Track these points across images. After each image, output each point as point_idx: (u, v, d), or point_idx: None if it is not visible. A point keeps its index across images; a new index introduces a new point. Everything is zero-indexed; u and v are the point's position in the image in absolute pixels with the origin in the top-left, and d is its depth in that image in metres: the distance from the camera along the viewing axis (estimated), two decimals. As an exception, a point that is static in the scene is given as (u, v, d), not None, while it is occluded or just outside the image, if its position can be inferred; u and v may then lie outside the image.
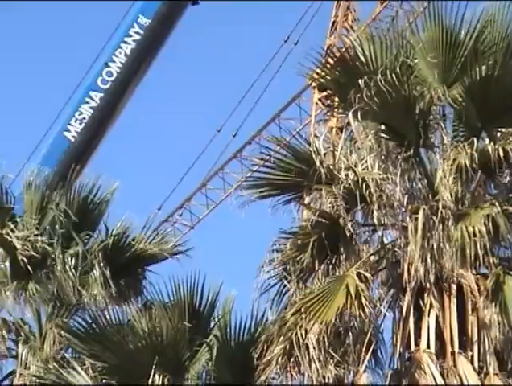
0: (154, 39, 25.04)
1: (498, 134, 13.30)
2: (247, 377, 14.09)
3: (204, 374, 14.85)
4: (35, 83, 69.57)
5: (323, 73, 14.52)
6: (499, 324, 12.64)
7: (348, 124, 13.92)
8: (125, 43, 24.72)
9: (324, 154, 14.13)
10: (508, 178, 13.72)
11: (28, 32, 69.33)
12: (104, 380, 15.21)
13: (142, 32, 24.79)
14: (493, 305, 12.79)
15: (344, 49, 14.89)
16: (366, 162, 13.77)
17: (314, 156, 14.07)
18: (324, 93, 15.77)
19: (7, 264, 18.23)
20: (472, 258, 12.97)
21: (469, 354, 12.87)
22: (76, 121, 24.21)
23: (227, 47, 67.95)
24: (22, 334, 17.96)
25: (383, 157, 13.70)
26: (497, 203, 13.16)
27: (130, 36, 24.68)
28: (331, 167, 13.92)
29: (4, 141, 54.82)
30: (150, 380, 14.28)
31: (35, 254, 18.01)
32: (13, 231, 18.38)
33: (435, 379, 12.54)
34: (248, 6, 67.45)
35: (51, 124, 24.54)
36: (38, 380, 16.94)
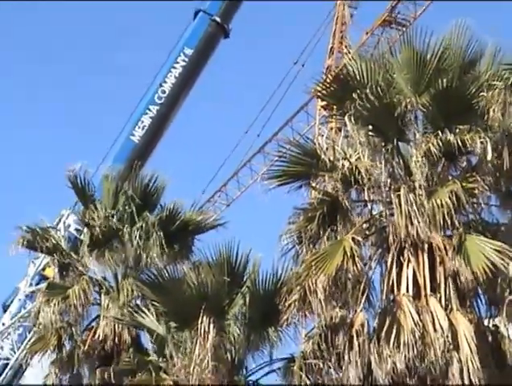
0: (196, 64, 25.06)
1: (457, 130, 13.22)
2: (272, 317, 14.17)
3: (239, 315, 14.86)
4: (108, 98, 69.68)
5: (323, 89, 14.61)
6: (464, 271, 12.62)
7: (345, 125, 13.98)
8: (175, 68, 24.73)
9: (326, 149, 14.17)
10: (465, 163, 13.74)
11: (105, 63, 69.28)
12: (164, 321, 15.45)
13: (186, 60, 24.77)
14: (458, 256, 12.78)
15: (339, 69, 14.93)
16: (358, 153, 13.79)
17: (318, 150, 14.11)
18: (325, 102, 15.75)
19: (88, 237, 18.45)
20: (441, 223, 13.01)
21: (438, 296, 12.87)
22: (139, 128, 24.26)
23: (252, 69, 67.98)
24: (104, 287, 18.17)
25: (371, 149, 13.65)
26: (458, 182, 13.20)
27: (178, 63, 24.70)
28: (331, 158, 13.94)
29: (86, 144, 55.22)
30: (199, 321, 14.40)
31: (109, 229, 18.22)
32: (93, 212, 18.62)
33: (412, 315, 12.58)
34: (266, 37, 67.32)
35: (121, 130, 24.69)
36: (116, 321, 17.23)
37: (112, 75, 70.32)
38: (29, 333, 21.36)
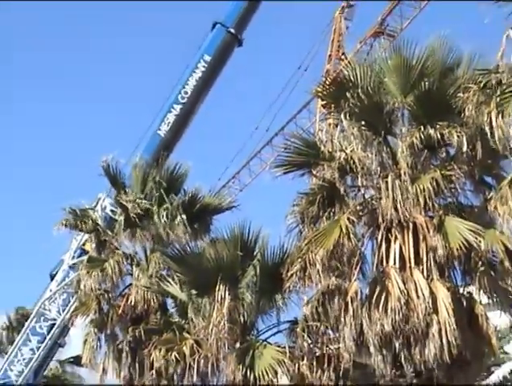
0: (214, 69, 25.00)
1: (437, 126, 13.13)
2: (278, 285, 14.13)
3: (251, 284, 14.85)
4: (136, 98, 69.65)
5: (322, 90, 14.55)
6: (442, 246, 12.63)
7: (341, 121, 13.91)
8: (195, 72, 24.66)
9: (325, 142, 14.11)
10: (444, 154, 13.68)
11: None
12: (187, 289, 15.47)
13: (206, 65, 24.71)
14: (438, 234, 12.74)
15: (336, 73, 14.84)
16: (353, 146, 13.69)
17: (318, 143, 14.07)
18: (325, 102, 15.64)
19: (122, 218, 18.46)
20: (423, 205, 12.98)
21: (420, 267, 12.85)
22: (164, 124, 24.21)
23: (262, 72, 67.90)
24: (135, 260, 18.14)
25: (363, 142, 13.56)
26: (437, 170, 13.16)
27: (198, 68, 24.66)
28: (330, 150, 13.88)
29: (118, 137, 55.30)
30: (216, 288, 14.43)
31: (139, 211, 18.21)
32: (123, 196, 18.64)
33: (398, 284, 12.59)
34: (274, 45, 67.00)
35: (149, 126, 24.63)
36: (146, 289, 17.26)
37: (142, 77, 70.11)
38: (72, 298, 21.40)
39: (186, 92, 24.66)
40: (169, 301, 17.31)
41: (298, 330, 13.87)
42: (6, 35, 67.13)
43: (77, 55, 68.90)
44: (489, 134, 12.43)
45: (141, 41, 71.06)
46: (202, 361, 14.43)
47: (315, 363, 13.93)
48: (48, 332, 22.54)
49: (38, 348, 22.43)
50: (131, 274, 18.04)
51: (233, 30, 25.59)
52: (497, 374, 20.84)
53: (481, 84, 12.74)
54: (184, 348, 14.84)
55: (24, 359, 22.41)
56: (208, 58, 24.95)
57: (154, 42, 70.37)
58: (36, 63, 68.44)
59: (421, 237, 12.98)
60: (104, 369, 17.56)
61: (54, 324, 22.50)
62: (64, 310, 22.29)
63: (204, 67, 24.78)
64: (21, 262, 57.08)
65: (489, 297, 13.20)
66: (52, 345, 23.05)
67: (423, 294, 12.47)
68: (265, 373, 14.02)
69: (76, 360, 24.19)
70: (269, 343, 14.76)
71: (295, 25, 62.33)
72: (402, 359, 12.62)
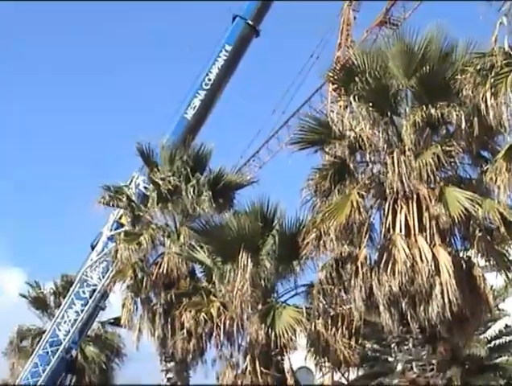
0: (234, 58, 24.85)
1: (438, 105, 12.99)
2: (295, 252, 14.15)
3: (270, 252, 14.91)
4: (164, 85, 69.41)
5: (333, 75, 14.47)
6: (443, 215, 12.58)
7: (350, 103, 13.81)
8: (218, 61, 24.56)
9: (336, 122, 14.02)
10: (444, 131, 13.56)
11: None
12: (212, 257, 15.54)
13: (227, 54, 24.62)
14: (440, 204, 12.69)
15: (345, 59, 14.70)
16: (361, 125, 13.55)
17: (330, 122, 13.96)
18: (335, 86, 15.53)
19: (154, 194, 18.53)
20: (425, 178, 12.91)
21: (424, 234, 12.81)
22: (191, 108, 24.12)
23: (280, 61, 67.41)
24: (166, 232, 18.26)
25: (371, 122, 13.44)
26: (438, 146, 13.06)
27: (220, 57, 24.56)
28: (340, 129, 13.76)
29: (150, 122, 55.16)
30: (239, 256, 14.48)
31: (170, 187, 18.27)
32: (156, 174, 18.70)
33: (404, 249, 12.56)
34: (289, 36, 66.28)
35: (176, 110, 24.54)
36: (177, 255, 17.35)
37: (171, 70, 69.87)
38: (111, 266, 21.56)
39: (209, 79, 24.57)
40: (197, 267, 17.41)
41: (314, 292, 13.90)
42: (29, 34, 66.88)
43: (111, 53, 68.50)
44: (484, 112, 12.29)
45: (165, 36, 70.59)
46: (228, 321, 14.54)
47: (329, 322, 14.01)
48: (90, 296, 22.73)
49: (81, 311, 22.64)
50: (163, 244, 18.12)
51: (251, 22, 25.46)
52: (493, 329, 20.85)
53: (477, 67, 12.57)
54: (212, 310, 14.96)
55: (70, 321, 22.65)
56: (229, 48, 24.83)
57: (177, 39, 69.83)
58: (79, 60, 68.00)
59: (424, 207, 12.92)
60: (140, 329, 17.74)
61: (95, 289, 22.67)
62: (103, 277, 22.46)
63: (225, 56, 24.65)
64: (65, 234, 57.53)
65: (486, 261, 13.17)
66: (94, 308, 23.24)
67: (427, 258, 12.45)
68: (284, 331, 14.10)
69: (116, 321, 24.38)
70: (288, 305, 14.84)
71: (307, 17, 61.76)
72: (409, 316, 12.65)
